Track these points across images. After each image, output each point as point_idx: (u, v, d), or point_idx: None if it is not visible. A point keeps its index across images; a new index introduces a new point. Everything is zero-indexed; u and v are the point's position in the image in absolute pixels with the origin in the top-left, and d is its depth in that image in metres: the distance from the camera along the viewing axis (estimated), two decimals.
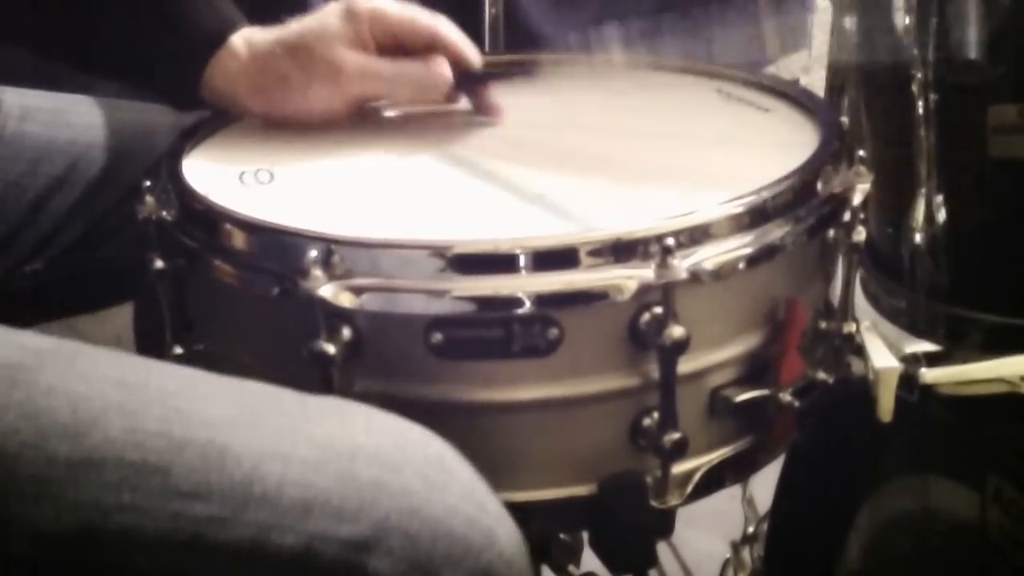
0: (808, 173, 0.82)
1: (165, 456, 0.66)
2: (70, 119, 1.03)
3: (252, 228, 0.79)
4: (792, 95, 0.97)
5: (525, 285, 0.73)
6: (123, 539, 0.66)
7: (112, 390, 0.69)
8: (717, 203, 0.77)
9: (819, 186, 0.82)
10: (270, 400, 0.71)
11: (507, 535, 0.70)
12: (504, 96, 1.01)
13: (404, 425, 0.71)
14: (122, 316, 1.01)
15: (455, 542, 0.68)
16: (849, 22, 1.00)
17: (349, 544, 0.66)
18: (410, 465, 0.69)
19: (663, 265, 0.73)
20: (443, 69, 0.94)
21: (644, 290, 0.73)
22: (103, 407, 0.68)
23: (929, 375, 0.88)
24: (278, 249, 0.77)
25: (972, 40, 0.92)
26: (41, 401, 0.67)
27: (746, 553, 1.18)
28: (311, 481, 0.67)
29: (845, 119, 1.00)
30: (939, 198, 0.93)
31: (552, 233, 0.75)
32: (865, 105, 1.01)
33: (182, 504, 0.66)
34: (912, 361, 0.88)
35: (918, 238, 0.93)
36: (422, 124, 0.99)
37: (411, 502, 0.67)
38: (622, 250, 0.74)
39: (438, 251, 0.74)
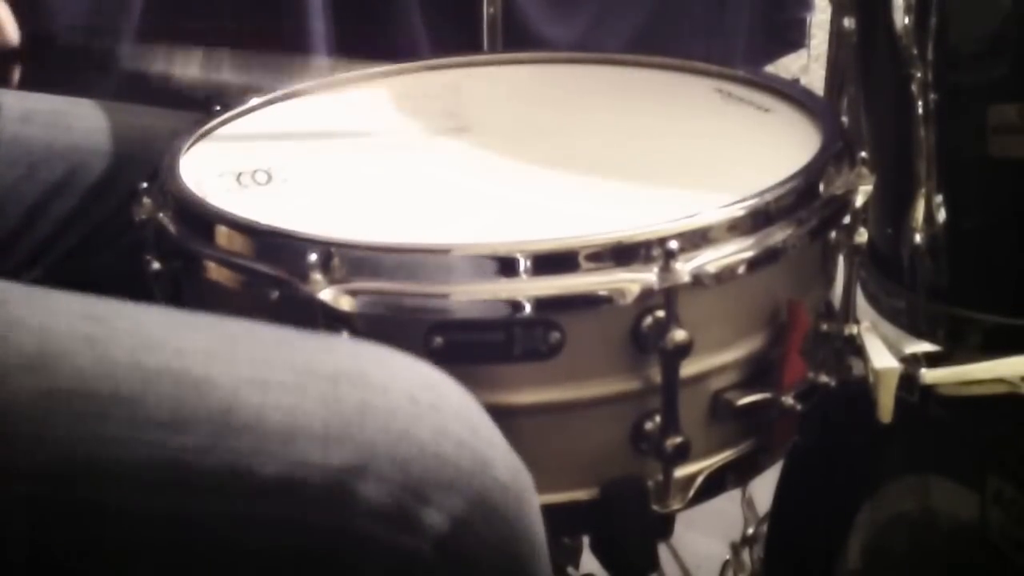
0: (811, 175, 0.81)
1: (138, 386, 0.64)
2: (71, 123, 1.02)
3: (251, 231, 0.78)
4: (792, 95, 0.96)
5: (526, 289, 0.73)
6: (98, 472, 0.63)
7: (80, 322, 0.66)
8: (719, 206, 0.77)
9: (821, 188, 0.82)
10: (247, 331, 0.69)
11: (502, 459, 0.68)
12: (502, 97, 1.01)
13: (389, 350, 0.69)
14: None
15: (445, 466, 0.65)
16: (849, 22, 0.99)
17: (336, 470, 0.64)
18: (396, 386, 0.66)
19: (666, 268, 0.73)
20: None
21: (647, 294, 0.73)
22: (71, 338, 0.65)
23: (929, 375, 0.88)
24: (277, 252, 0.76)
25: (972, 40, 0.92)
26: (5, 333, 0.65)
27: (746, 554, 1.18)
28: (293, 406, 0.65)
29: (845, 119, 1.00)
30: (939, 198, 0.92)
31: (552, 236, 0.75)
32: (865, 105, 1.01)
33: (158, 434, 0.63)
34: (912, 361, 0.88)
35: (918, 238, 0.93)
36: (421, 126, 0.98)
37: (398, 424, 0.65)
38: (623, 253, 0.74)
39: (438, 254, 0.74)
